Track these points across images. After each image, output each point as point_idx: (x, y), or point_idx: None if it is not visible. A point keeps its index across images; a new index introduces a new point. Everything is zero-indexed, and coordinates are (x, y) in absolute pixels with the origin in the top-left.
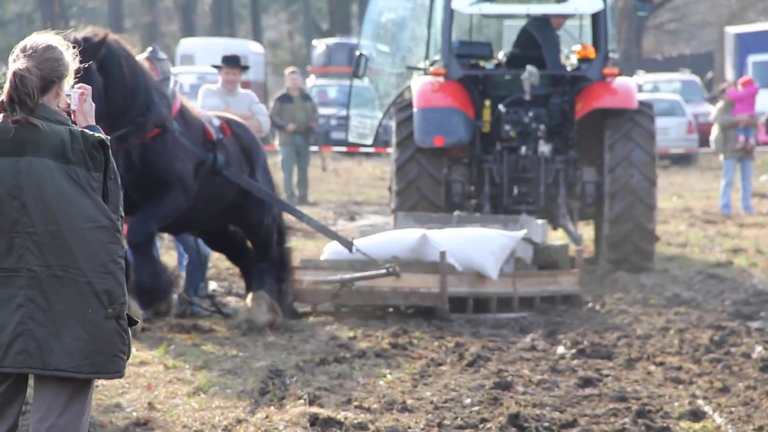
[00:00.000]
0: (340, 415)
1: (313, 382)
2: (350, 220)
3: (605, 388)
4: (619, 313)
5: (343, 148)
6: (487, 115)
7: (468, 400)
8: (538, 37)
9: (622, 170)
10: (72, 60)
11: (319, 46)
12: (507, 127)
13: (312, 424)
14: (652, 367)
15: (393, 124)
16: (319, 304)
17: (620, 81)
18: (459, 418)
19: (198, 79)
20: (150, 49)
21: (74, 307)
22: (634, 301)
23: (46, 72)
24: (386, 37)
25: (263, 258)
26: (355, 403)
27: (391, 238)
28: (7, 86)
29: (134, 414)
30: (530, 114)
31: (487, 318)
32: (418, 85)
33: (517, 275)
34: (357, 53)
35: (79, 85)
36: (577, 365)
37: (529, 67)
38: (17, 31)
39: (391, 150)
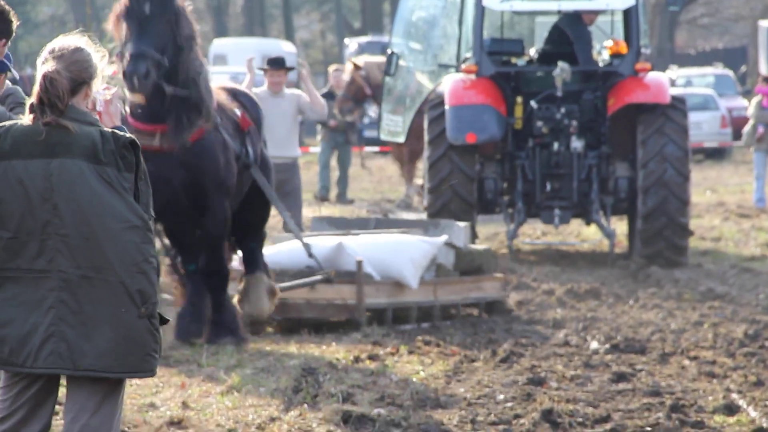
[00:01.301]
0: (374, 413)
1: (347, 379)
2: (384, 217)
3: (639, 382)
4: (653, 308)
5: (376, 147)
6: (519, 111)
7: (501, 396)
8: (570, 34)
9: (655, 165)
10: (100, 61)
11: (351, 44)
12: (539, 124)
13: (345, 422)
14: (686, 362)
15: (426, 121)
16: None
17: (652, 76)
18: (492, 414)
19: (231, 79)
20: None
21: (106, 307)
22: (668, 296)
23: (75, 74)
24: (417, 34)
25: (254, 238)
26: (388, 400)
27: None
28: (36, 89)
29: (168, 413)
30: (562, 110)
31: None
32: (450, 82)
33: (438, 282)
34: (388, 51)
35: (105, 86)
36: (610, 360)
37: (561, 63)
38: (49, 33)
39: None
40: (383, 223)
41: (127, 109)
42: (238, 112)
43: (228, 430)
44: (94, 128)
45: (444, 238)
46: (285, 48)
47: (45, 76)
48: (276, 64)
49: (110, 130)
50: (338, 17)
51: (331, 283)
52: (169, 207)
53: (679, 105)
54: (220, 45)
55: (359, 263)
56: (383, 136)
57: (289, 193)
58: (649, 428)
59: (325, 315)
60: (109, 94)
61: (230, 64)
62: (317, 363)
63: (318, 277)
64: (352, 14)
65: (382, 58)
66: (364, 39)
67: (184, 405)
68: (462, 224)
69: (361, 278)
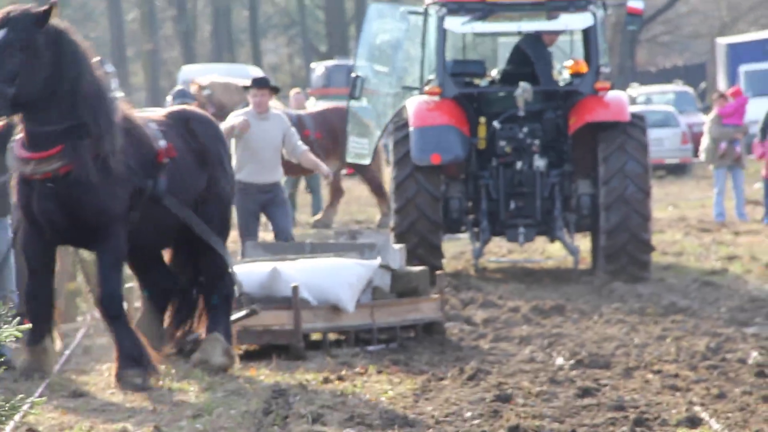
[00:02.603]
0: None
1: (316, 400)
2: (351, 239)
3: (603, 397)
4: (617, 323)
5: (343, 170)
6: (482, 131)
7: (469, 414)
8: (531, 54)
9: (617, 182)
10: None
11: (318, 68)
12: (502, 143)
13: None
14: (650, 375)
15: (391, 143)
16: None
17: (612, 94)
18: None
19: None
20: (97, 58)
21: None
22: (631, 311)
23: None
24: (382, 57)
25: (213, 289)
26: (358, 420)
27: (239, 272)
28: None
29: None
30: (525, 129)
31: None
32: (414, 104)
33: (375, 305)
34: (353, 75)
35: None
36: (575, 376)
37: (523, 84)
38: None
39: (389, 169)
40: (318, 247)
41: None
42: (162, 143)
43: None
44: None
45: (379, 260)
46: (253, 72)
47: None
48: (260, 83)
49: None
50: (305, 41)
51: (256, 315)
52: (64, 235)
53: (638, 122)
54: (189, 71)
55: (295, 288)
56: (349, 159)
57: (275, 205)
58: None
59: (263, 341)
60: None
61: None
62: (287, 385)
63: (243, 313)
64: (318, 38)
65: (230, 79)
66: (330, 62)
67: (156, 429)
68: (397, 246)
69: (297, 304)
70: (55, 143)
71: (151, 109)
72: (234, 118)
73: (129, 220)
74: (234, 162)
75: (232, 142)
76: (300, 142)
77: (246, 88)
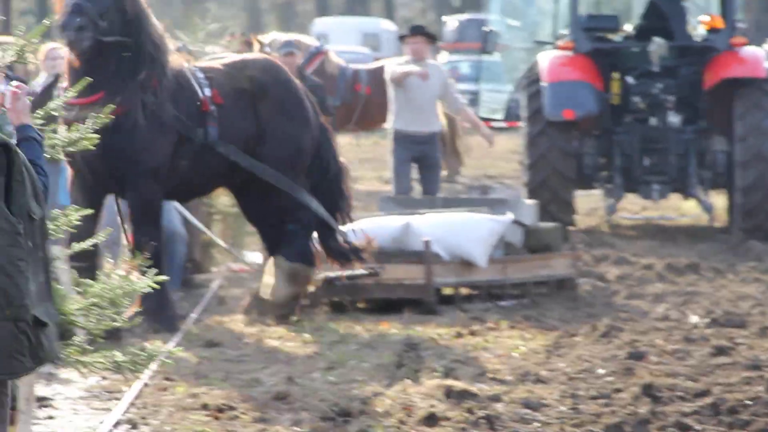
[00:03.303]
0: (475, 387)
1: (448, 354)
2: (483, 194)
3: (739, 356)
4: (753, 282)
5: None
6: (615, 87)
7: (601, 371)
8: (666, 9)
9: (754, 139)
10: None
11: (450, 22)
12: (636, 99)
13: (447, 397)
14: None
15: (523, 98)
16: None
17: (748, 50)
18: (592, 389)
19: None
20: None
21: None
22: (767, 269)
23: None
24: (514, 12)
25: (291, 219)
26: (490, 375)
27: (372, 226)
28: None
29: (273, 388)
30: (659, 85)
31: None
32: (547, 59)
33: (507, 261)
34: (486, 29)
35: (15, 83)
36: (710, 334)
37: (657, 39)
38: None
39: (522, 124)
40: (450, 202)
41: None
42: (207, 91)
43: (332, 405)
44: None
45: (511, 215)
46: (385, 26)
47: None
48: (415, 30)
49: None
50: None
51: (376, 276)
52: (105, 183)
53: None
54: (321, 24)
55: (427, 243)
56: (482, 113)
57: (428, 167)
58: (749, 402)
59: (394, 294)
60: (16, 89)
61: (332, 42)
62: (419, 339)
63: (361, 271)
64: None
65: (291, 37)
66: (463, 16)
67: (289, 380)
68: (530, 202)
69: (430, 258)
70: (100, 89)
71: (219, 55)
72: (398, 66)
73: (176, 169)
74: (393, 110)
75: (390, 92)
76: (459, 96)
77: (401, 37)
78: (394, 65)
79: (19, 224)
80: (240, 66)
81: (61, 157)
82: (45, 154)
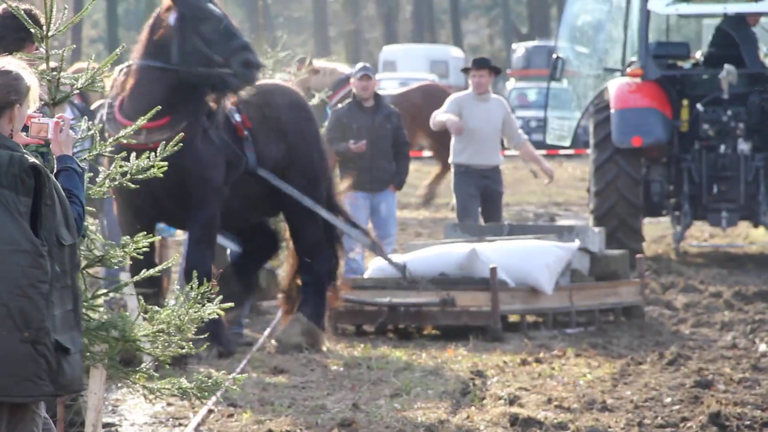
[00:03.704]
0: (540, 415)
1: (514, 382)
2: (550, 221)
3: None
4: None
5: (543, 151)
6: (684, 114)
7: (668, 399)
8: (735, 36)
9: None
10: (33, 83)
11: (519, 49)
12: (705, 126)
13: (512, 424)
14: None
15: (591, 125)
16: (363, 325)
17: None
18: (659, 417)
19: (400, 85)
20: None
21: None
22: None
23: None
24: (583, 39)
25: (306, 270)
26: (555, 403)
27: (438, 252)
28: None
29: (339, 415)
30: (729, 112)
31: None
32: (616, 86)
33: (573, 288)
34: (554, 56)
35: (59, 115)
36: None
37: (728, 66)
38: None
39: (589, 151)
40: (517, 229)
41: (115, 106)
42: (237, 116)
43: (397, 431)
44: (6, 152)
45: (578, 243)
46: (453, 53)
47: None
48: (478, 63)
49: (20, 154)
50: (506, 22)
51: (452, 306)
52: (162, 208)
53: None
54: (389, 51)
55: (493, 270)
56: (549, 140)
57: (491, 201)
58: None
59: (460, 322)
60: (59, 119)
61: (399, 70)
62: (484, 366)
63: (434, 299)
64: (520, 19)
65: (328, 64)
66: (531, 43)
67: (355, 407)
68: (597, 229)
69: (496, 285)
70: (166, 113)
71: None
72: (444, 115)
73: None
74: (453, 144)
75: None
76: (521, 131)
77: (465, 70)
78: (436, 112)
79: (44, 247)
80: (262, 92)
81: (132, 186)
82: (97, 187)
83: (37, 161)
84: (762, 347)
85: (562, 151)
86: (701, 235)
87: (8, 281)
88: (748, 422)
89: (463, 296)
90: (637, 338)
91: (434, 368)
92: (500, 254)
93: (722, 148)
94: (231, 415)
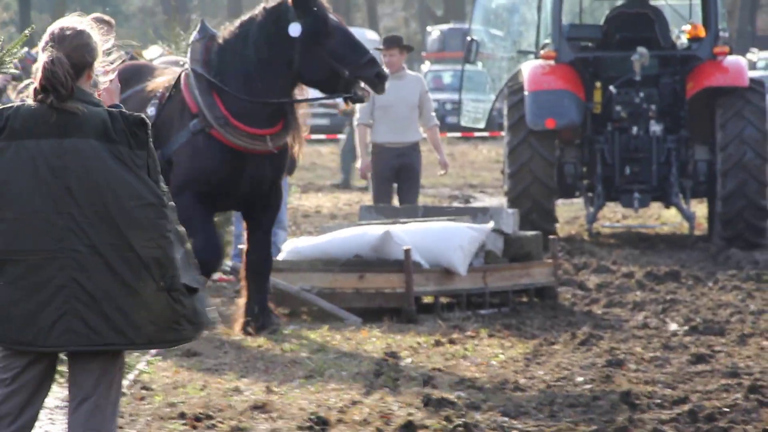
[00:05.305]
0: (454, 396)
1: (427, 363)
2: (465, 203)
3: (717, 364)
4: (732, 290)
5: (458, 133)
6: (597, 96)
7: (580, 379)
8: (640, 17)
9: (734, 148)
10: (101, 40)
11: (434, 32)
12: (618, 108)
13: (426, 405)
14: (765, 343)
15: (505, 107)
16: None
17: (731, 59)
18: (571, 397)
19: None
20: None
21: (121, 283)
22: (747, 278)
23: (76, 59)
24: (497, 21)
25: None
26: (468, 383)
27: (352, 234)
28: (39, 75)
29: (252, 397)
30: (641, 94)
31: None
32: (529, 68)
33: (487, 269)
34: (468, 39)
35: (103, 65)
36: (689, 342)
37: (640, 48)
38: (139, 24)
39: (504, 133)
40: (431, 211)
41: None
42: None
43: (311, 413)
44: (100, 108)
45: (491, 224)
46: (369, 36)
47: (46, 66)
48: (388, 43)
49: (117, 110)
50: (421, 5)
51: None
52: (237, 201)
53: (757, 88)
54: None
55: (407, 251)
56: (464, 123)
57: (407, 178)
58: (727, 409)
59: (374, 304)
60: (109, 73)
61: None
62: (398, 347)
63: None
64: (434, 2)
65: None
66: (446, 26)
67: (268, 389)
68: (510, 211)
69: (410, 266)
70: (279, 117)
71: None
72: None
73: None
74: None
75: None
76: (433, 115)
77: (378, 49)
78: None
79: (164, 197)
80: None
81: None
82: None
83: (142, 114)
84: (673, 326)
85: (476, 134)
86: (614, 216)
87: (141, 235)
88: (658, 400)
89: (377, 278)
90: (550, 319)
91: (348, 350)
92: (414, 236)
93: (634, 129)
94: (143, 398)
